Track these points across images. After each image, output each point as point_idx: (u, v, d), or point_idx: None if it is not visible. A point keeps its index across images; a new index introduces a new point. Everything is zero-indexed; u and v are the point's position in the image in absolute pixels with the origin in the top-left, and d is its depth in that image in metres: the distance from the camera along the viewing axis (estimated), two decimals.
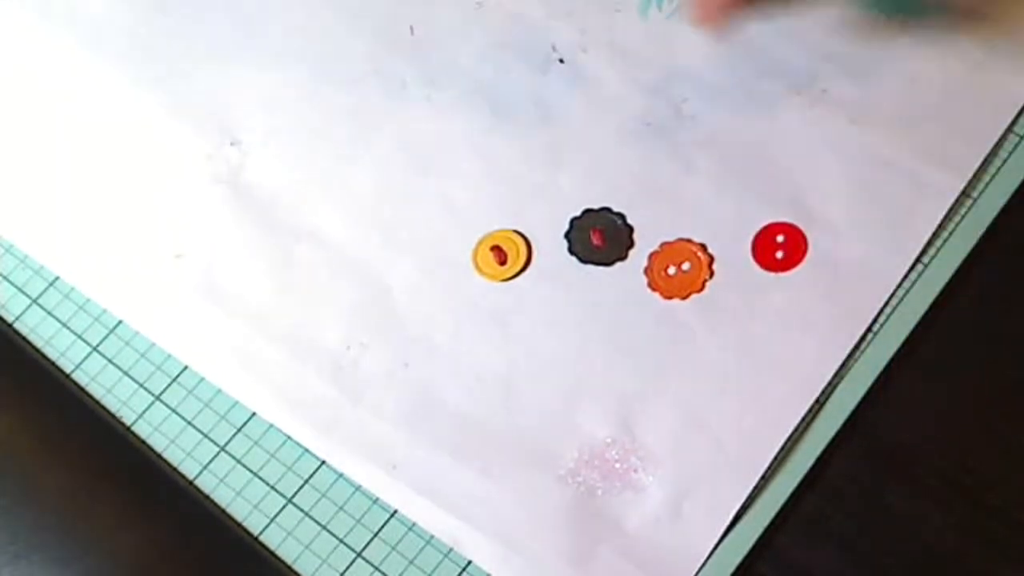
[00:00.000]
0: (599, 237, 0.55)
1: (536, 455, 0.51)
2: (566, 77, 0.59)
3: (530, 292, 0.55)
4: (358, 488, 0.52)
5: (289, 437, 0.54)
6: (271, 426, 0.54)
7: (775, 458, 0.50)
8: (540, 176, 0.57)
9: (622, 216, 0.55)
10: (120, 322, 0.57)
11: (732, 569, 0.49)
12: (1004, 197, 0.53)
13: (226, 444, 0.54)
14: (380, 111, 0.60)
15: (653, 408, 0.52)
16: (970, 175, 0.54)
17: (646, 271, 0.54)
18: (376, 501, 0.52)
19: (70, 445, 0.55)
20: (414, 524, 0.51)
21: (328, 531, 0.52)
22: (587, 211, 0.56)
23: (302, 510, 0.52)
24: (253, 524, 0.52)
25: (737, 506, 0.49)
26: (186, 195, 0.59)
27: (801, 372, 0.51)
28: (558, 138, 0.58)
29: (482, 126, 0.59)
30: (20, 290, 0.58)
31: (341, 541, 0.52)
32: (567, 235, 0.56)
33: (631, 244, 0.55)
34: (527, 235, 0.56)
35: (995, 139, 0.54)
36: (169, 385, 0.56)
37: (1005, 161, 0.54)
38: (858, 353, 0.51)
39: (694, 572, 0.49)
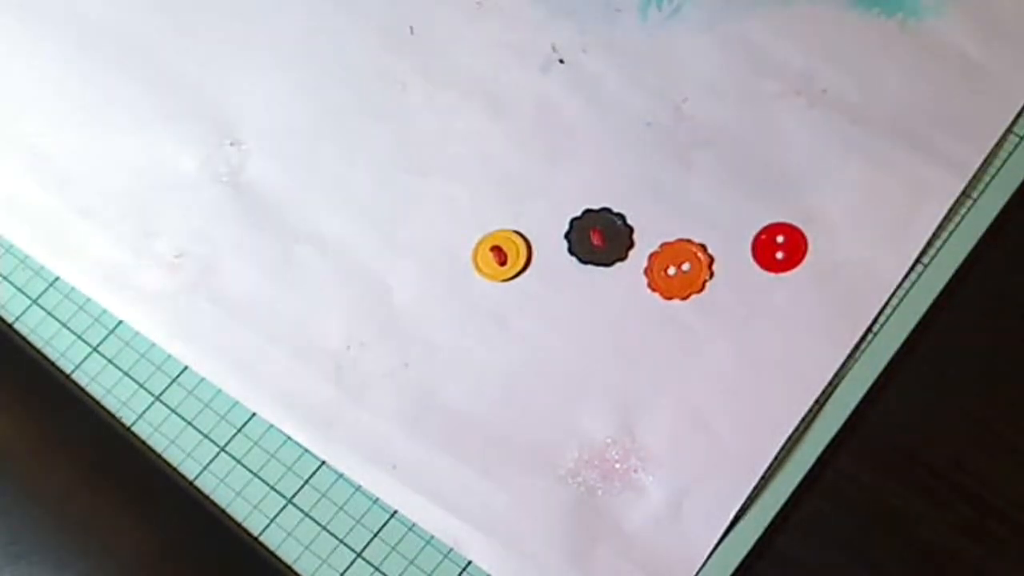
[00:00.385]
0: (599, 237, 0.55)
1: (536, 455, 0.52)
2: (566, 77, 0.59)
3: (530, 292, 0.55)
4: (358, 488, 0.52)
5: (289, 437, 0.54)
6: (271, 426, 0.54)
7: (775, 458, 0.50)
8: (540, 176, 0.57)
9: (622, 216, 0.55)
10: (120, 322, 0.57)
11: (732, 569, 0.49)
12: (1004, 197, 0.54)
13: (226, 444, 0.54)
14: (380, 111, 0.60)
15: (653, 408, 0.52)
16: (970, 175, 0.54)
17: (646, 271, 0.54)
18: (376, 501, 0.52)
19: (70, 445, 0.55)
20: (414, 524, 0.51)
21: (328, 531, 0.52)
22: (587, 211, 0.56)
23: (302, 510, 0.52)
24: (253, 524, 0.52)
25: (737, 506, 0.49)
26: (186, 195, 0.59)
27: (801, 372, 0.51)
28: (558, 138, 0.58)
29: (482, 126, 0.59)
30: (20, 290, 0.58)
31: (341, 541, 0.52)
32: (567, 235, 0.56)
33: (631, 244, 0.55)
34: (527, 235, 0.56)
35: (995, 139, 0.54)
36: (169, 385, 0.56)
37: (1005, 161, 0.54)
38: (858, 353, 0.51)
39: (694, 572, 0.49)
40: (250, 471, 0.53)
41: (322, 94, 0.61)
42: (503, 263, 0.55)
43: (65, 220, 0.59)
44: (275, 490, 0.53)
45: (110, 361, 0.56)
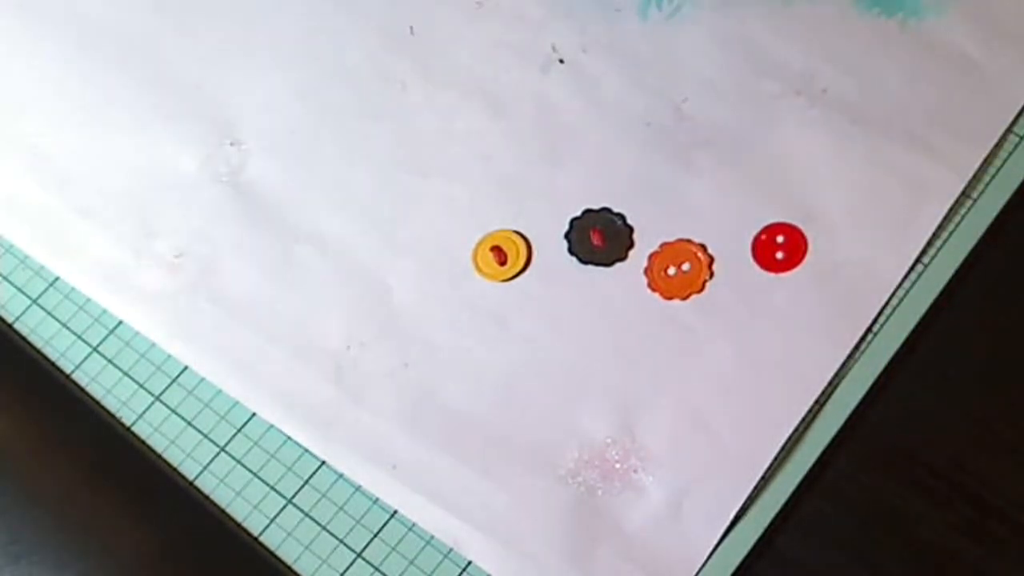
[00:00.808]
0: (599, 237, 0.55)
1: (536, 455, 0.52)
2: (566, 77, 0.59)
3: (530, 292, 0.55)
4: (358, 488, 0.52)
5: (289, 437, 0.54)
6: (271, 426, 0.54)
7: (775, 458, 0.50)
8: (540, 176, 0.57)
9: (622, 216, 0.55)
10: (120, 322, 0.57)
11: (732, 569, 0.49)
12: (1004, 197, 0.54)
13: (226, 444, 0.54)
14: (380, 111, 0.60)
15: (653, 408, 0.52)
16: (970, 175, 0.54)
17: (646, 271, 0.54)
18: (376, 501, 0.52)
19: (70, 445, 0.55)
20: (414, 524, 0.51)
21: (328, 531, 0.52)
22: (587, 211, 0.56)
23: (302, 510, 0.52)
24: (253, 524, 0.52)
25: (737, 506, 0.49)
26: (186, 195, 0.59)
27: (801, 372, 0.51)
28: (558, 138, 0.58)
29: (482, 126, 0.59)
30: (20, 290, 0.58)
31: (341, 541, 0.52)
32: (567, 235, 0.56)
33: (631, 244, 0.55)
34: (527, 235, 0.56)
35: (995, 139, 0.54)
36: (169, 385, 0.56)
37: (1005, 161, 0.54)
38: (858, 353, 0.51)
39: (694, 572, 0.49)
40: (250, 471, 0.53)
41: (322, 94, 0.61)
42: (503, 263, 0.55)
43: (65, 220, 0.59)
44: (275, 490, 0.53)
45: (110, 361, 0.56)
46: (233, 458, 0.54)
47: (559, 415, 0.52)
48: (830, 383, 0.51)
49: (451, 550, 0.51)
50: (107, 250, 0.58)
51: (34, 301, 0.58)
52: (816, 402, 0.51)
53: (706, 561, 0.49)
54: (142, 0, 0.64)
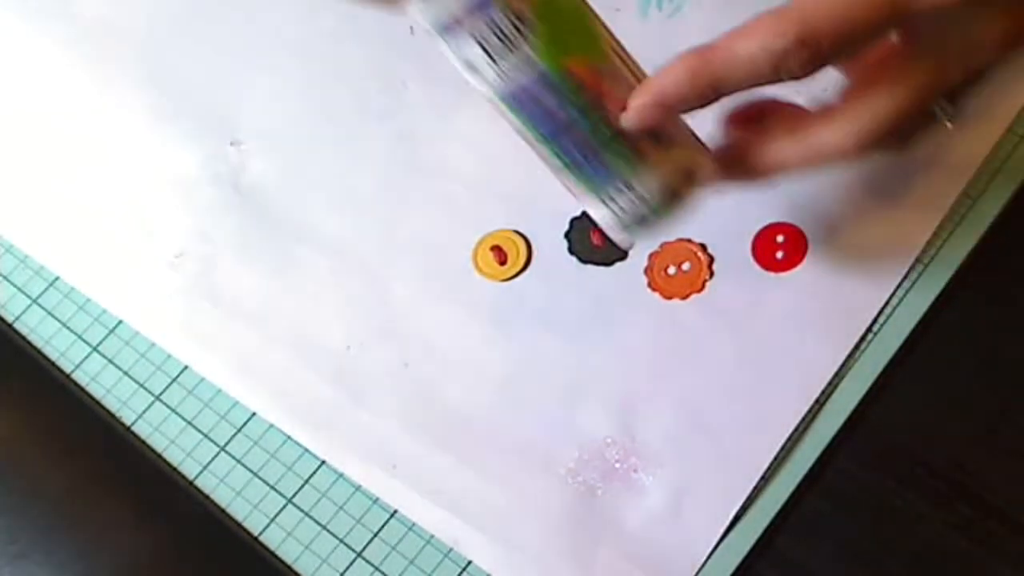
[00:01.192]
0: (599, 237, 0.55)
1: (536, 455, 0.52)
2: None
3: (530, 292, 0.55)
4: (358, 488, 0.52)
5: (289, 437, 0.54)
6: (271, 426, 0.54)
7: (775, 458, 0.50)
8: (540, 176, 0.57)
9: None
10: (120, 322, 0.57)
11: (732, 569, 0.49)
12: (1004, 197, 0.53)
13: (226, 444, 0.54)
14: (380, 111, 0.60)
15: (653, 408, 0.52)
16: (970, 175, 0.54)
17: (646, 271, 0.54)
18: (376, 501, 0.52)
19: (70, 445, 0.55)
20: (414, 524, 0.51)
21: (328, 531, 0.52)
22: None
23: (302, 510, 0.52)
24: (253, 524, 0.52)
25: (737, 506, 0.49)
26: (186, 195, 0.59)
27: (801, 372, 0.51)
28: None
29: (482, 126, 0.59)
30: (20, 290, 0.58)
31: (341, 541, 0.52)
32: (567, 235, 0.56)
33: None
34: (527, 235, 0.56)
35: (996, 139, 0.54)
36: (169, 385, 0.56)
37: (1005, 162, 0.54)
38: (858, 353, 0.51)
39: (694, 572, 0.49)
40: (250, 471, 0.53)
41: (322, 94, 0.61)
42: (503, 263, 0.55)
43: (65, 219, 0.59)
44: (275, 490, 0.53)
45: (110, 361, 0.56)
46: (233, 458, 0.54)
47: (559, 415, 0.52)
48: (830, 383, 0.51)
49: (451, 550, 0.51)
50: (107, 250, 0.58)
51: (34, 301, 0.58)
52: (816, 402, 0.51)
53: (706, 561, 0.49)
54: (142, 0, 0.64)
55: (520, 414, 0.52)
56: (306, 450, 0.53)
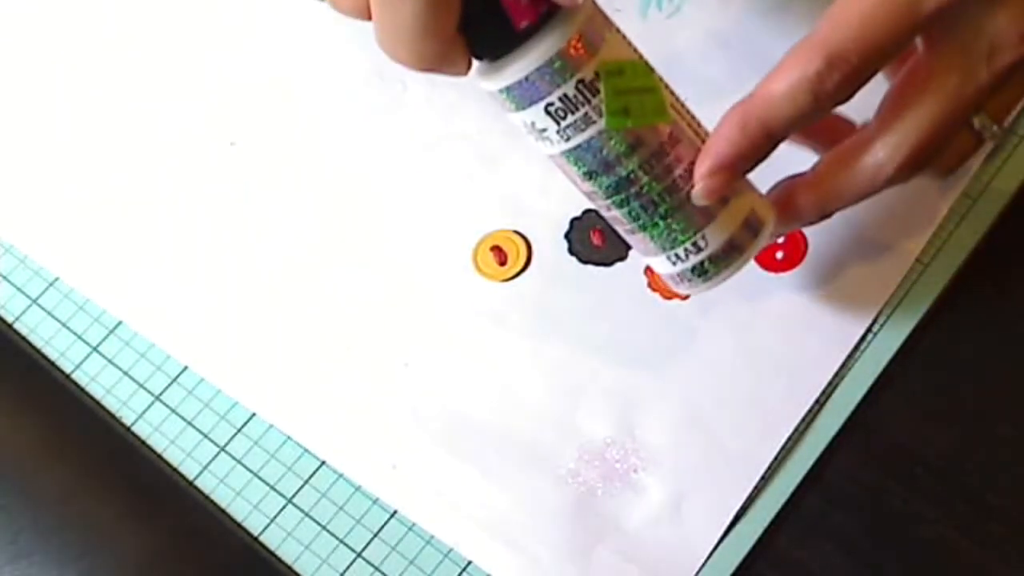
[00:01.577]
0: (599, 237, 0.55)
1: (536, 455, 0.52)
2: None
3: (530, 292, 0.55)
4: (358, 488, 0.52)
5: (289, 437, 0.54)
6: (271, 426, 0.54)
7: (775, 458, 0.50)
8: (540, 176, 0.57)
9: None
10: (120, 322, 0.57)
11: (732, 569, 0.49)
12: (1004, 198, 0.53)
13: (226, 444, 0.54)
14: (380, 111, 0.60)
15: (653, 408, 0.52)
16: (970, 175, 0.54)
17: (646, 271, 0.54)
18: (376, 501, 0.52)
19: (70, 445, 0.55)
20: (414, 524, 0.51)
21: (328, 531, 0.52)
22: (587, 211, 0.56)
23: (302, 510, 0.52)
24: (253, 524, 0.52)
25: (737, 506, 0.49)
26: (185, 195, 0.59)
27: (801, 372, 0.51)
28: None
29: (482, 126, 0.59)
30: (20, 290, 0.58)
31: (341, 541, 0.52)
32: (567, 235, 0.56)
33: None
34: (527, 235, 0.56)
35: (996, 139, 0.54)
36: (169, 385, 0.56)
37: (1005, 162, 0.54)
38: (858, 353, 0.51)
39: (694, 572, 0.49)
40: (250, 471, 0.53)
41: (322, 94, 0.61)
42: (503, 263, 0.55)
43: (65, 219, 0.59)
44: (275, 490, 0.53)
45: (110, 361, 0.56)
46: (233, 458, 0.54)
47: (559, 415, 0.52)
48: (830, 383, 0.51)
49: (451, 550, 0.51)
50: (106, 250, 0.58)
51: (34, 301, 0.58)
52: (816, 402, 0.51)
53: (706, 561, 0.49)
54: (141, 1, 0.64)
55: (520, 414, 0.52)
56: (306, 450, 0.53)
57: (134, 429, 0.55)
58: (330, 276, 0.56)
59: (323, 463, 0.53)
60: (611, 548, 0.50)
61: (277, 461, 0.53)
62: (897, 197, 0.54)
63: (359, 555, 0.51)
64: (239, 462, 0.54)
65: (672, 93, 0.44)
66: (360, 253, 0.57)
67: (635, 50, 0.43)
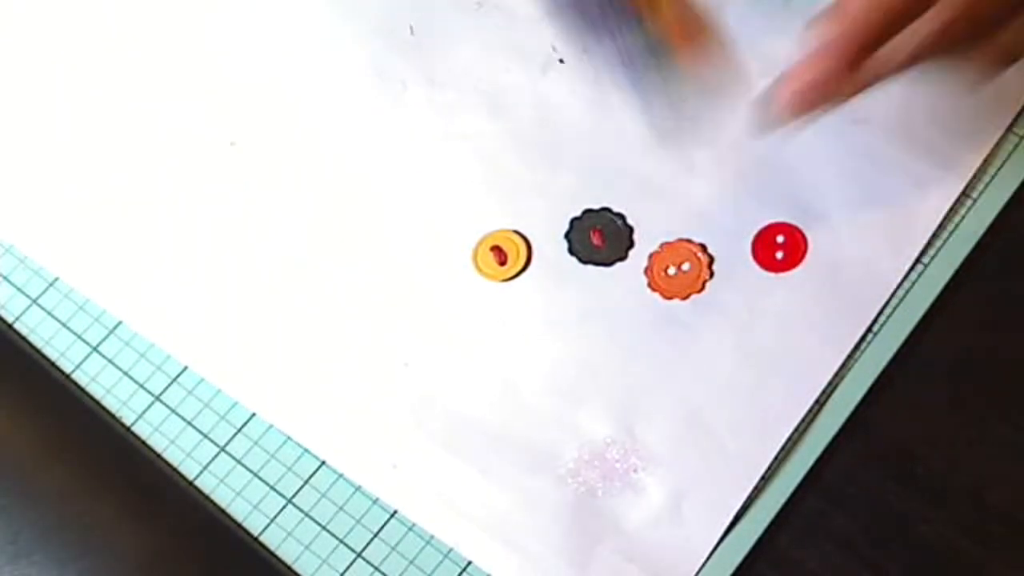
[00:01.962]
0: (599, 237, 0.55)
1: (536, 455, 0.52)
2: (566, 77, 0.59)
3: (530, 292, 0.55)
4: (358, 488, 0.52)
5: (289, 437, 0.54)
6: (271, 426, 0.54)
7: (775, 458, 0.50)
8: (540, 176, 0.57)
9: (622, 216, 0.55)
10: (120, 322, 0.57)
11: (732, 569, 0.49)
12: (1004, 197, 0.53)
13: (226, 444, 0.54)
14: (380, 111, 0.60)
15: (653, 408, 0.52)
16: (970, 175, 0.54)
17: (646, 271, 0.54)
18: (376, 501, 0.52)
19: (70, 445, 0.55)
20: (414, 524, 0.51)
21: (328, 531, 0.52)
22: (587, 211, 0.56)
23: (302, 510, 0.52)
24: (253, 524, 0.52)
25: (737, 506, 0.49)
26: (185, 195, 0.59)
27: (801, 372, 0.51)
28: (558, 138, 0.58)
29: (482, 126, 0.59)
30: (20, 290, 0.58)
31: (341, 541, 0.52)
32: (567, 235, 0.56)
33: (631, 244, 0.55)
34: (527, 235, 0.56)
35: (995, 139, 0.54)
36: (169, 385, 0.56)
37: (1005, 161, 0.54)
38: (858, 353, 0.51)
39: (694, 572, 0.49)
40: (250, 471, 0.53)
41: (322, 94, 0.61)
42: (503, 263, 0.55)
43: (65, 219, 0.59)
44: (275, 490, 0.53)
45: (110, 361, 0.56)
46: (233, 458, 0.54)
47: (559, 415, 0.52)
48: (830, 383, 0.51)
49: (451, 550, 0.51)
50: (106, 250, 0.58)
51: (34, 301, 0.58)
52: (816, 402, 0.51)
53: (706, 561, 0.49)
54: (141, 1, 0.64)
55: (520, 414, 0.52)
56: (306, 450, 0.53)
57: (134, 429, 0.55)
58: (330, 276, 0.56)
59: (323, 463, 0.53)
60: (611, 548, 0.50)
61: (277, 461, 0.53)
62: (896, 197, 0.54)
63: (359, 555, 0.51)
64: (239, 462, 0.54)
65: None
66: (360, 253, 0.57)
67: None
